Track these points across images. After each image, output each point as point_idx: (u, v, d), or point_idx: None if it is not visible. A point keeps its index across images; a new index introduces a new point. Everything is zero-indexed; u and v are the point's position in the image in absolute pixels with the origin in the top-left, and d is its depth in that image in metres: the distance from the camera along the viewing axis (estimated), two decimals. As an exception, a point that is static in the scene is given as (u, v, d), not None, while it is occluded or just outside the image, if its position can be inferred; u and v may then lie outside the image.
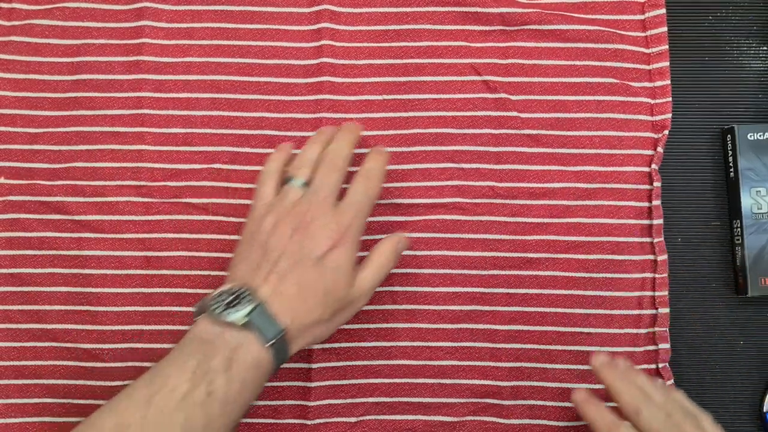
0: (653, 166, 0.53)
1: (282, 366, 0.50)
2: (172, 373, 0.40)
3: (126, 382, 0.50)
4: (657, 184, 0.53)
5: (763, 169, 0.53)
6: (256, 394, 0.42)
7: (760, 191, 0.53)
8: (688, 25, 0.54)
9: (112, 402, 0.40)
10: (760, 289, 0.52)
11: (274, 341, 0.41)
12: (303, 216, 0.45)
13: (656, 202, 0.52)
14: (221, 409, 0.39)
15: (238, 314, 0.41)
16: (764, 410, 0.52)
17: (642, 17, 0.54)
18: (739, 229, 0.53)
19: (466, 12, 0.54)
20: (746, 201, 0.52)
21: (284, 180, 0.47)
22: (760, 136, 0.53)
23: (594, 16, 0.55)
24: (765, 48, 0.56)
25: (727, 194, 0.54)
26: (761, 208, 0.52)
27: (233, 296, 0.42)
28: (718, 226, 0.54)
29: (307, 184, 0.46)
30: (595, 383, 0.51)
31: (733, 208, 0.53)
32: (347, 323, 0.50)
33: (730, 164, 0.54)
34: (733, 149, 0.53)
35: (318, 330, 0.45)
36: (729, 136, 0.54)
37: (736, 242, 0.53)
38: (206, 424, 0.39)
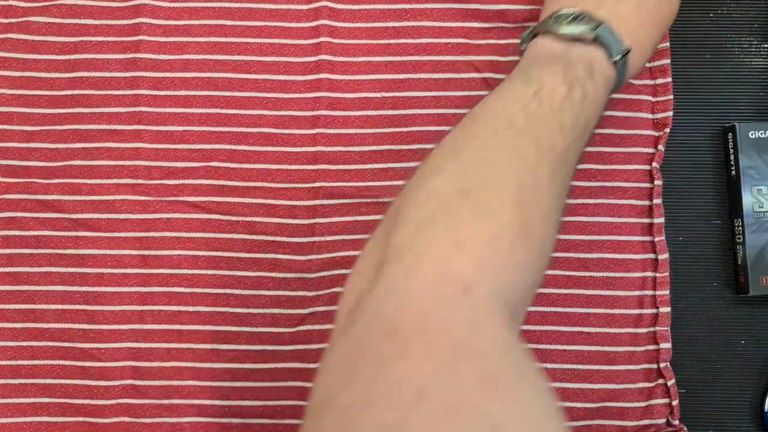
0: (654, 164, 0.52)
1: (279, 366, 0.51)
2: (543, 77, 0.38)
3: (124, 382, 0.51)
4: (658, 182, 0.52)
5: (765, 167, 0.52)
6: (600, 115, 0.41)
7: (761, 190, 0.52)
8: (688, 23, 0.54)
9: (497, 91, 0.38)
10: (761, 288, 0.51)
11: (620, 58, 0.40)
12: None
13: (657, 201, 0.52)
14: (595, 113, 0.39)
15: (586, 27, 0.40)
16: (765, 410, 0.52)
17: None
18: (740, 228, 0.53)
19: (465, 9, 0.54)
20: (747, 199, 0.52)
21: None
22: (761, 134, 0.53)
23: None
24: (766, 45, 0.55)
25: (728, 193, 0.54)
26: (762, 207, 0.52)
27: (571, 17, 0.40)
28: (718, 224, 0.54)
29: None
30: (594, 384, 0.51)
31: (734, 207, 0.53)
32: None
33: (731, 162, 0.53)
34: (734, 147, 0.53)
35: (646, 56, 0.44)
36: (730, 134, 0.53)
37: (737, 241, 0.53)
38: (585, 125, 0.38)
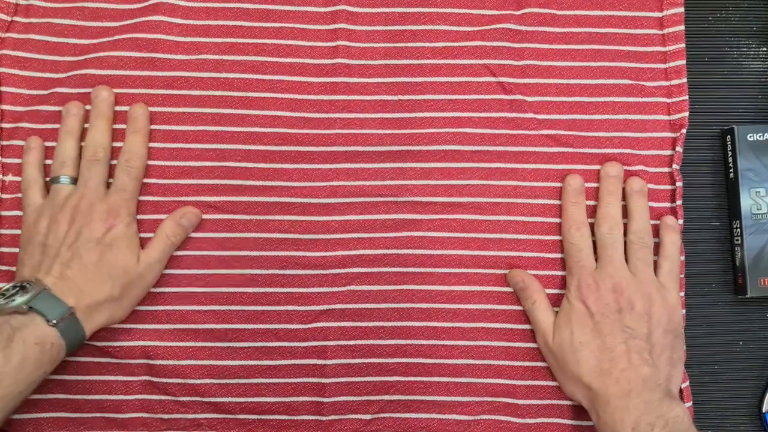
0: (674, 165, 0.53)
1: (295, 362, 0.51)
2: None
3: (141, 378, 0.51)
4: (679, 183, 0.53)
5: (763, 169, 0.53)
6: (44, 371, 0.45)
7: (759, 192, 0.53)
8: (688, 26, 0.54)
9: None
10: (760, 289, 0.52)
11: (59, 320, 0.45)
12: (76, 209, 0.49)
13: (679, 202, 0.52)
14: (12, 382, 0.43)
15: (20, 300, 0.44)
16: (764, 410, 0.52)
17: (660, 15, 0.54)
18: (738, 230, 0.53)
19: (482, 14, 0.54)
20: (746, 202, 0.53)
21: (51, 180, 0.51)
22: (759, 136, 0.53)
23: (611, 13, 0.55)
24: (765, 49, 0.56)
25: (726, 195, 0.55)
26: (761, 209, 0.52)
27: (17, 289, 0.45)
28: (717, 226, 0.54)
29: (73, 179, 0.51)
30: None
31: (733, 209, 0.54)
32: (361, 321, 0.52)
33: (730, 165, 0.54)
34: (733, 150, 0.53)
35: (112, 308, 0.49)
36: (729, 136, 0.54)
37: (736, 243, 0.53)
38: None
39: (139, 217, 0.52)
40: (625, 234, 0.50)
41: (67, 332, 0.45)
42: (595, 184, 0.53)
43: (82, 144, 0.52)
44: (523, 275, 0.51)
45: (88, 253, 0.48)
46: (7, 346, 0.43)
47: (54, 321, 0.45)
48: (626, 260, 0.50)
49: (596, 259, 0.50)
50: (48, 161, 0.53)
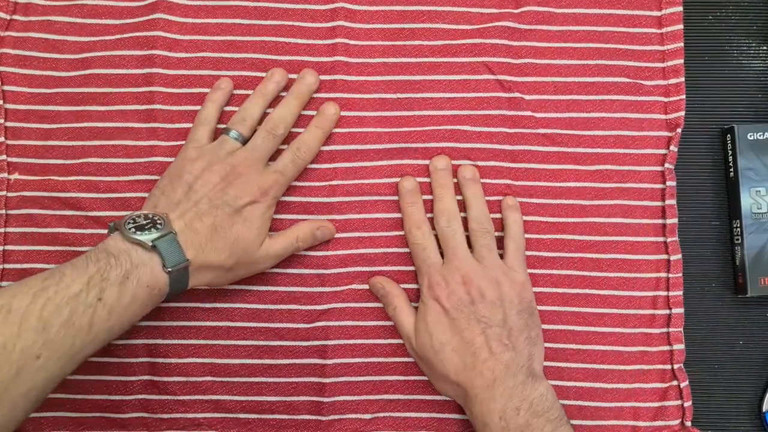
0: (667, 165, 0.53)
1: (296, 361, 0.52)
2: (70, 273, 0.42)
3: (142, 378, 0.51)
4: (671, 183, 0.53)
5: (763, 169, 0.53)
6: (143, 313, 0.45)
7: (759, 191, 0.53)
8: (687, 25, 0.54)
9: (9, 286, 0.42)
10: (760, 289, 0.52)
11: (174, 269, 0.44)
12: (233, 168, 0.49)
13: (670, 202, 0.53)
14: (107, 316, 0.42)
15: (148, 236, 0.44)
16: (764, 410, 0.52)
17: (659, 14, 0.54)
18: (738, 229, 0.53)
19: (481, 13, 0.55)
20: (746, 201, 0.53)
21: (223, 129, 0.51)
22: (759, 135, 0.53)
23: (610, 11, 0.55)
24: (765, 47, 0.56)
25: (726, 194, 0.55)
26: (761, 208, 0.52)
27: (148, 221, 0.45)
28: (717, 225, 0.54)
29: (244, 139, 0.51)
30: (608, 383, 0.51)
31: (733, 208, 0.54)
32: (363, 320, 0.52)
33: (730, 164, 0.54)
34: (733, 149, 0.53)
35: (217, 274, 0.48)
36: (729, 135, 0.54)
37: (736, 242, 0.53)
38: (89, 324, 0.41)
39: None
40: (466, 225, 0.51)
41: (175, 282, 0.45)
42: (580, 184, 0.53)
43: (268, 111, 0.53)
44: (383, 281, 0.52)
45: (223, 216, 0.47)
46: (123, 282, 0.43)
47: (170, 269, 0.44)
48: (471, 249, 0.50)
49: (442, 255, 0.51)
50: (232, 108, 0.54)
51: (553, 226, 0.53)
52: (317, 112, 0.53)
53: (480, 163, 0.53)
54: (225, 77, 0.53)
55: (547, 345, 0.51)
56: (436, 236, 0.51)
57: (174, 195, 0.48)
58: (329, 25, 0.54)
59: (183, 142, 0.53)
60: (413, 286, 0.52)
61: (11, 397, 0.39)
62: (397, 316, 0.51)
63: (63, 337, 0.40)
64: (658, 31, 0.54)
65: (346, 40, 0.54)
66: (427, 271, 0.50)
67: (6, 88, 0.54)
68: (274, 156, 0.52)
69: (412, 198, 0.52)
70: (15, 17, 0.54)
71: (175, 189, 0.48)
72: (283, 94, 0.53)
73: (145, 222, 0.45)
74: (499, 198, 0.53)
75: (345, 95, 0.54)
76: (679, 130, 0.53)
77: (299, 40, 0.54)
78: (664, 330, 0.52)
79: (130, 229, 0.44)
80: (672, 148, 0.53)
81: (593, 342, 0.52)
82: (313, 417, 0.51)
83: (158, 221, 0.45)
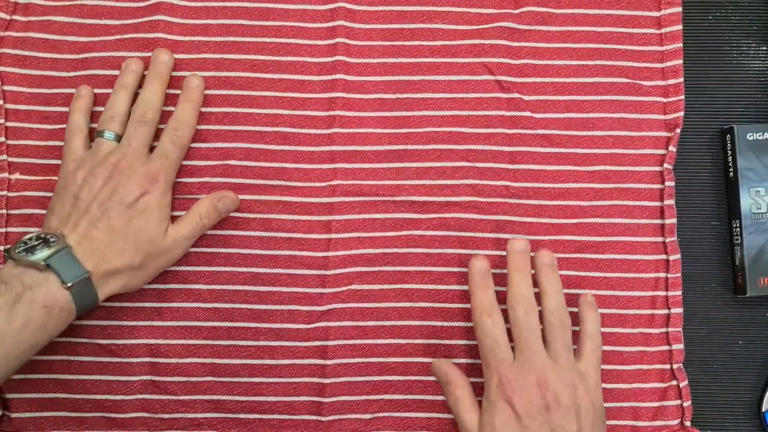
0: (665, 165, 0.53)
1: (296, 362, 0.51)
2: None
3: (142, 378, 0.51)
4: (669, 183, 0.53)
5: (763, 169, 0.53)
6: (49, 334, 0.44)
7: (759, 191, 0.53)
8: (687, 25, 0.54)
9: None
10: (759, 289, 0.52)
11: (74, 283, 0.43)
12: (115, 167, 0.48)
13: (669, 202, 0.53)
14: (12, 342, 0.41)
15: (39, 255, 0.43)
16: (763, 410, 0.52)
17: (658, 14, 0.55)
18: (738, 229, 0.53)
19: (480, 13, 0.55)
20: (745, 201, 0.53)
21: (96, 133, 0.50)
22: (759, 136, 0.53)
23: (609, 12, 0.55)
24: (764, 48, 0.56)
25: (726, 194, 0.55)
26: (760, 208, 0.52)
27: (40, 241, 0.44)
28: (717, 225, 0.54)
29: (118, 136, 0.50)
30: (607, 383, 0.51)
31: (733, 208, 0.54)
32: (363, 320, 0.52)
33: (730, 164, 0.54)
34: (733, 149, 0.53)
35: (128, 276, 0.47)
36: (728, 136, 0.54)
37: (735, 242, 0.53)
38: None
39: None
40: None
41: (79, 297, 0.44)
42: (579, 184, 0.53)
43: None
44: (447, 368, 0.48)
45: (118, 215, 0.47)
46: (13, 306, 0.42)
47: (69, 284, 0.43)
48: (544, 343, 0.46)
49: (512, 346, 0.47)
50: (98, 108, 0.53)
51: (553, 227, 0.53)
52: (182, 87, 0.53)
53: (479, 165, 0.53)
54: (83, 85, 0.53)
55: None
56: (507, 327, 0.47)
57: (63, 210, 0.47)
58: (329, 25, 0.54)
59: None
60: (415, 286, 0.52)
61: None
62: (459, 409, 0.47)
63: None
64: (658, 31, 0.54)
65: (346, 40, 0.54)
66: (497, 367, 0.45)
67: (6, 88, 0.54)
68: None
69: (483, 281, 0.48)
70: (15, 17, 0.54)
71: (63, 204, 0.47)
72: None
73: (36, 243, 0.44)
74: (498, 201, 0.53)
75: (345, 95, 0.54)
76: (678, 131, 0.53)
77: (300, 41, 0.54)
78: (663, 330, 0.52)
79: (20, 252, 0.43)
80: (671, 148, 0.53)
81: None
82: (313, 417, 0.51)
83: (51, 239, 0.44)
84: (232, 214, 0.53)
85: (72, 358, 0.51)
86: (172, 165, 0.50)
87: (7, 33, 0.54)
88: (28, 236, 0.45)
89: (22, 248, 0.44)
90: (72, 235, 0.45)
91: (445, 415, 0.52)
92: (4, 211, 0.53)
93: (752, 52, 0.56)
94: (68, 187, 0.48)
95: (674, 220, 0.52)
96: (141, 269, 0.48)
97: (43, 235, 0.45)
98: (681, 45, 0.54)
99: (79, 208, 0.47)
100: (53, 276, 0.43)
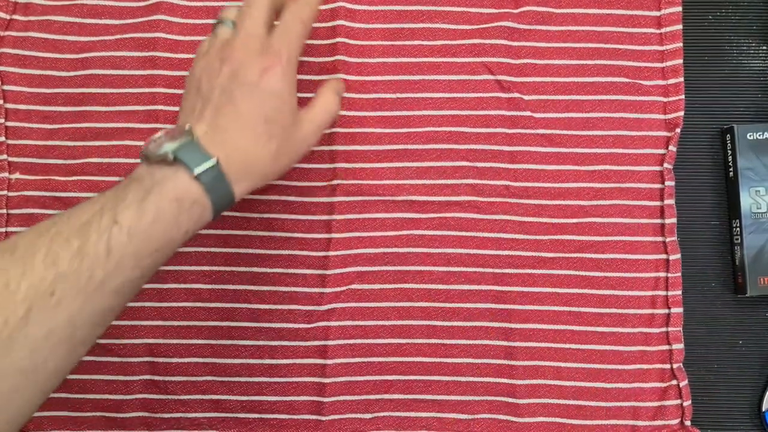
0: (665, 164, 0.53)
1: (297, 362, 0.51)
2: (82, 206, 0.39)
3: (142, 377, 0.51)
4: (669, 183, 0.53)
5: (763, 168, 0.53)
6: (184, 231, 0.40)
7: (759, 191, 0.53)
8: (687, 25, 0.54)
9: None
10: (759, 288, 0.52)
11: (203, 172, 0.40)
12: (231, 48, 0.43)
13: (669, 201, 0.53)
14: (126, 239, 0.38)
15: (166, 148, 0.40)
16: (763, 409, 0.52)
17: (658, 14, 0.54)
18: (738, 229, 0.53)
19: (480, 13, 0.55)
20: (745, 201, 0.53)
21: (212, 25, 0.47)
22: (759, 135, 0.53)
23: (609, 11, 0.55)
24: (764, 47, 0.56)
25: (726, 194, 0.54)
26: (760, 208, 0.52)
27: (168, 136, 0.41)
28: (717, 225, 0.54)
29: (234, 23, 0.45)
30: (607, 383, 0.51)
31: (733, 208, 0.54)
32: (363, 320, 0.52)
33: (730, 164, 0.54)
34: (733, 149, 0.53)
35: (264, 164, 0.43)
36: (728, 135, 0.54)
37: (735, 242, 0.53)
38: (107, 251, 0.37)
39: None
40: None
41: (213, 189, 0.40)
42: (579, 184, 0.53)
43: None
44: None
45: (244, 98, 0.42)
46: (143, 199, 0.38)
47: (197, 173, 0.39)
48: None
49: None
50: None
51: (553, 226, 0.53)
52: None
53: (479, 164, 0.53)
54: None
55: (547, 345, 0.52)
56: None
57: (187, 104, 0.44)
58: (329, 24, 0.54)
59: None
60: (415, 286, 0.52)
61: (28, 341, 0.35)
62: None
63: (77, 269, 0.36)
64: (658, 31, 0.54)
65: (347, 40, 0.54)
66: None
67: (6, 87, 0.54)
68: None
69: None
70: (15, 17, 0.54)
71: (188, 99, 0.44)
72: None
73: (165, 139, 0.41)
74: (498, 200, 0.53)
75: (345, 95, 0.54)
76: (678, 130, 0.53)
77: None
78: (663, 329, 0.52)
79: (148, 148, 0.40)
80: (671, 147, 0.53)
81: (592, 342, 0.52)
82: (314, 417, 0.51)
83: (177, 133, 0.41)
84: (231, 214, 0.53)
85: None
86: (295, 39, 0.44)
87: (7, 33, 0.54)
88: (157, 135, 0.41)
89: (150, 146, 0.40)
90: (199, 126, 0.42)
91: (446, 415, 0.52)
92: (4, 211, 0.53)
93: (752, 51, 0.56)
94: (189, 84, 0.45)
95: (674, 220, 0.52)
96: (275, 160, 0.44)
97: (170, 130, 0.41)
98: (681, 44, 0.54)
99: (202, 97, 0.43)
100: (182, 168, 0.40)
